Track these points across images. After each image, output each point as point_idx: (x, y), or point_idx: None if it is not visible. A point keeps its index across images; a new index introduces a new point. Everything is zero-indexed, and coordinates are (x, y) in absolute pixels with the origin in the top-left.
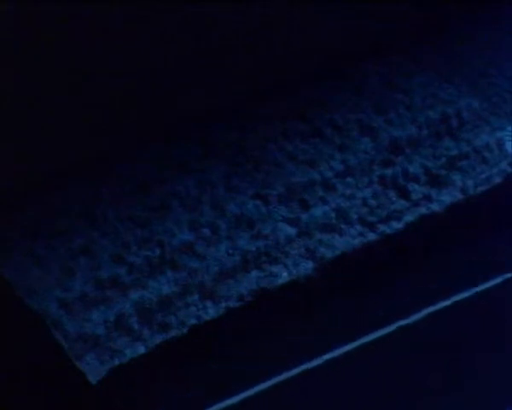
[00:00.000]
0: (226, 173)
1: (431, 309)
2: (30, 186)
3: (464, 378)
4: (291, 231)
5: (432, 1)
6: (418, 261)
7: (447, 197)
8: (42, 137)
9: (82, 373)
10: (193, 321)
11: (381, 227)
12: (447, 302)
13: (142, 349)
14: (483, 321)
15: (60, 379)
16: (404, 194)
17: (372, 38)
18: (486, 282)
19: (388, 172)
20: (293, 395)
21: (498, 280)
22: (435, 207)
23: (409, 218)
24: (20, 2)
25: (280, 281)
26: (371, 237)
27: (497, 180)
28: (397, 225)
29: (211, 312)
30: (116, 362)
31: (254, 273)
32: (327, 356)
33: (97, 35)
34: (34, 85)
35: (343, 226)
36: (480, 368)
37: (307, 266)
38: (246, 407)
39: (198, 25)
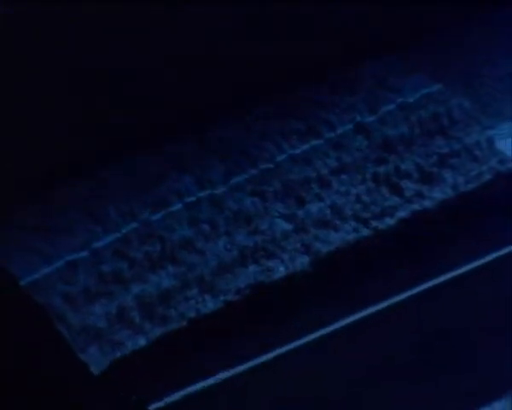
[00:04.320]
0: (225, 171)
1: (421, 299)
2: (33, 185)
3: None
4: (287, 226)
5: (425, 2)
6: (410, 256)
7: (439, 194)
8: (44, 135)
9: (85, 364)
10: (192, 314)
11: (375, 223)
12: (437, 293)
13: (142, 341)
14: (471, 313)
15: (63, 370)
16: (396, 191)
17: (367, 41)
18: (476, 274)
19: (381, 169)
20: (287, 379)
21: (489, 273)
22: (427, 203)
23: (401, 214)
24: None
25: (277, 275)
26: (365, 232)
27: (488, 177)
28: (390, 221)
29: (210, 305)
30: (118, 354)
31: (252, 268)
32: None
33: (101, 36)
34: (38, 83)
35: (338, 222)
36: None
37: (303, 261)
38: (239, 392)
39: (196, 24)
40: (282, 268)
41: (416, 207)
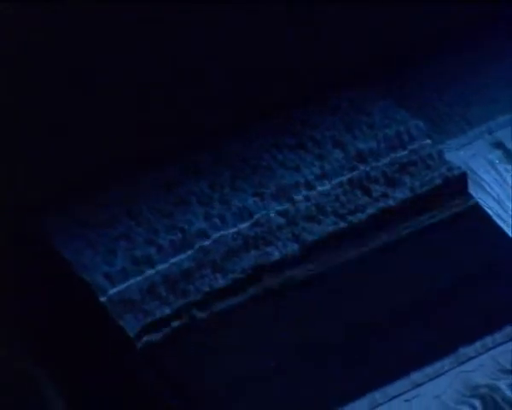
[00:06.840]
0: (231, 176)
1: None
2: (80, 185)
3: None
4: (281, 220)
5: (392, 43)
6: (377, 241)
7: (400, 194)
8: (91, 143)
9: (122, 328)
10: (207, 288)
11: (349, 218)
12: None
13: (167, 310)
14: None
15: (104, 333)
16: (367, 192)
17: (344, 72)
18: (429, 254)
19: (355, 175)
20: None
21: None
22: (391, 202)
23: (370, 210)
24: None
25: (272, 258)
26: (342, 225)
27: (438, 181)
28: (361, 216)
29: (220, 281)
30: (148, 320)
31: (253, 252)
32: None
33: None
34: (89, 89)
35: (321, 217)
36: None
37: (293, 247)
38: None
39: (200, 43)
40: (276, 253)
41: (381, 205)
